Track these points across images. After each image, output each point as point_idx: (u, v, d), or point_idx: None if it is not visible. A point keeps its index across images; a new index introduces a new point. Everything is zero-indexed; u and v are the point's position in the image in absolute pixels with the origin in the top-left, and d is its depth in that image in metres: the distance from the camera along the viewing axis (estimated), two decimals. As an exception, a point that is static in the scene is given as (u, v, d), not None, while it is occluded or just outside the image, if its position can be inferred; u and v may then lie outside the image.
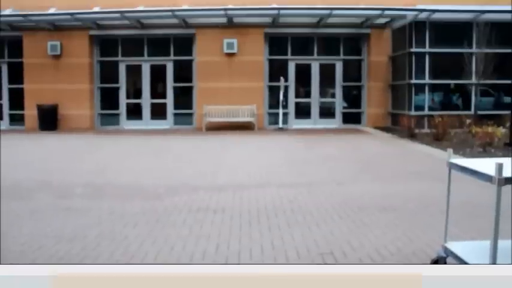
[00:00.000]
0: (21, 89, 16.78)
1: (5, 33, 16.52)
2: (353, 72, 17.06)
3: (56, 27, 16.23)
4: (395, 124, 15.18)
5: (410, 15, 14.43)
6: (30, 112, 16.44)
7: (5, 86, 17.23)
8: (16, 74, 16.93)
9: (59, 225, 4.85)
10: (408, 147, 11.37)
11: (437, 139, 11.75)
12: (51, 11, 15.37)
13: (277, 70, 16.47)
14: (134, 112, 17.06)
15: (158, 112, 16.89)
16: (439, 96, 15.35)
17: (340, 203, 5.69)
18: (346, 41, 16.83)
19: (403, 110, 14.97)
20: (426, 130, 13.49)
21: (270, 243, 4.23)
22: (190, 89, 16.73)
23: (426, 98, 14.79)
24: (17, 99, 16.99)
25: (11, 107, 17.26)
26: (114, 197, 6.09)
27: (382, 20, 15.70)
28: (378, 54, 16.18)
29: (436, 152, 10.04)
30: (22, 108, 16.82)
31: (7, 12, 15.46)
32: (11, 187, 6.79)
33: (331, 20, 15.37)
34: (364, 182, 7.04)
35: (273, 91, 16.48)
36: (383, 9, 14.35)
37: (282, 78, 15.87)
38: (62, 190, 6.57)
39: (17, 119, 17.17)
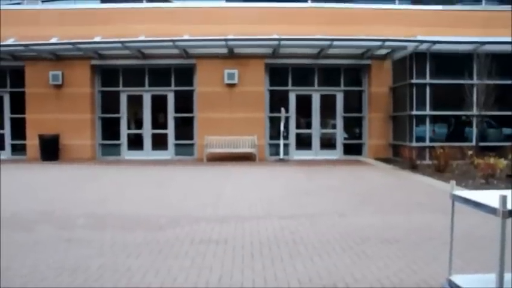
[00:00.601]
0: (23, 119, 16.87)
1: (7, 62, 16.70)
2: (354, 103, 17.19)
3: (57, 57, 16.44)
4: (397, 155, 15.21)
5: (411, 46, 14.62)
6: (32, 142, 16.48)
7: (7, 116, 17.33)
8: (18, 103, 17.05)
9: (61, 256, 4.82)
10: (410, 178, 11.37)
11: (439, 170, 11.75)
12: (53, 40, 15.59)
13: (277, 101, 16.60)
14: (135, 142, 17.11)
15: (159, 142, 16.93)
16: (440, 128, 15.42)
17: (342, 234, 5.67)
18: (347, 72, 17.03)
19: (404, 141, 15.02)
20: (428, 161, 13.50)
21: (273, 275, 4.21)
22: (191, 119, 16.82)
23: (427, 129, 14.85)
24: (18, 129, 17.06)
25: (13, 137, 17.32)
26: (116, 228, 6.06)
27: (383, 51, 15.91)
28: (378, 85, 16.34)
29: (438, 184, 10.04)
30: (24, 138, 16.87)
31: (9, 42, 15.69)
32: (12, 218, 6.78)
33: (331, 51, 15.59)
34: (366, 214, 7.02)
35: (274, 122, 16.58)
36: (383, 40, 14.55)
37: (282, 109, 15.98)
38: (63, 221, 6.54)
39: (18, 149, 17.20)
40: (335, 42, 14.72)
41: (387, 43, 14.74)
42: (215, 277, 4.16)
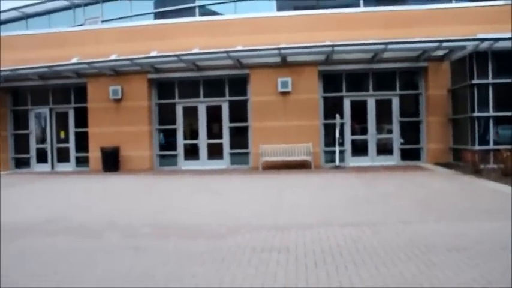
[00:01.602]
0: (86, 133, 17.65)
1: (71, 80, 17.66)
2: (410, 107, 16.71)
3: (116, 72, 17.10)
4: (458, 160, 14.60)
5: (471, 45, 13.98)
6: (94, 154, 17.21)
7: (72, 130, 18.21)
8: (81, 118, 17.89)
9: (129, 263, 4.96)
10: (474, 183, 10.87)
11: (506, 175, 11.14)
12: (112, 57, 16.24)
13: (332, 107, 16.41)
14: (191, 152, 17.45)
15: (215, 152, 17.17)
16: (504, 129, 14.65)
17: (407, 242, 5.49)
18: (402, 76, 16.59)
19: (465, 144, 14.41)
20: (492, 165, 12.85)
21: (338, 284, 4.13)
22: (245, 128, 16.95)
23: (491, 131, 14.16)
24: (82, 142, 17.88)
25: (77, 150, 18.15)
26: (178, 237, 6.17)
27: (440, 52, 15.36)
28: (436, 88, 15.80)
29: (506, 189, 9.54)
30: (87, 150, 17.64)
31: (73, 61, 16.51)
32: (80, 227, 7.06)
33: (386, 55, 15.25)
34: (430, 221, 6.77)
35: (329, 129, 16.40)
36: (441, 41, 14.03)
37: (337, 116, 15.78)
38: (128, 230, 6.74)
39: (81, 161, 18.01)
40: (390, 46, 14.38)
41: (445, 44, 14.21)
42: (279, 285, 4.14)
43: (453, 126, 15.78)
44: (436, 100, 15.84)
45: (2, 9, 21.92)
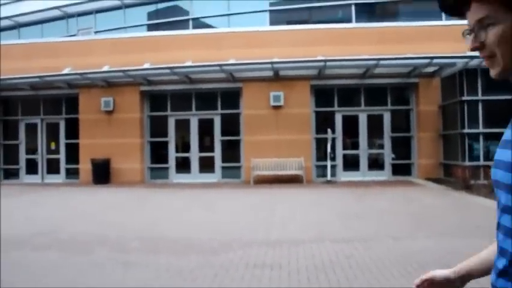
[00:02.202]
0: (77, 144, 17.53)
1: (63, 91, 17.57)
2: (401, 122, 16.84)
3: (109, 84, 17.06)
4: (448, 175, 14.70)
5: (461, 62, 14.18)
6: (85, 166, 17.07)
7: (62, 141, 18.07)
8: (72, 129, 17.77)
9: (120, 279, 4.91)
10: (465, 199, 10.95)
11: (496, 190, 11.20)
12: (105, 68, 16.21)
13: (324, 122, 16.48)
14: (183, 165, 17.38)
15: (206, 165, 17.12)
16: (495, 146, 14.78)
17: (399, 259, 5.50)
18: (394, 91, 16.74)
19: (456, 160, 14.52)
20: (483, 181, 12.94)
21: (331, 302, 4.12)
22: (237, 142, 16.95)
23: (481, 147, 14.29)
24: (72, 153, 17.74)
25: (67, 161, 18.00)
26: (169, 252, 6.13)
27: (431, 69, 15.55)
28: (427, 104, 15.95)
29: (496, 205, 9.59)
30: (77, 162, 17.50)
31: (65, 71, 16.45)
32: (70, 240, 6.98)
33: (378, 70, 15.40)
34: (421, 237, 6.79)
35: (321, 143, 16.45)
36: (431, 58, 14.22)
37: (329, 130, 15.85)
38: (118, 244, 6.67)
39: (72, 173, 17.85)
40: (381, 62, 14.54)
41: (435, 60, 14.41)
42: (273, 303, 4.11)
43: (444, 142, 15.91)
44: (427, 116, 15.99)
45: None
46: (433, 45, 15.12)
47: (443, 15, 16.95)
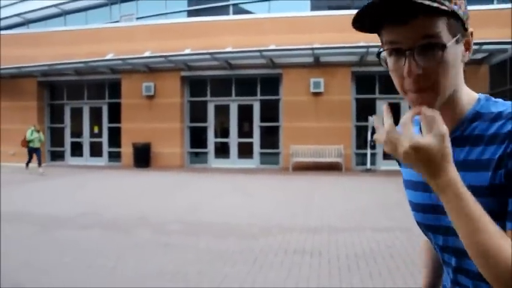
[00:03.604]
0: (119, 128, 17.92)
1: (106, 76, 17.96)
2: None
3: (150, 69, 17.29)
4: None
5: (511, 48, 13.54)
6: (126, 150, 17.45)
7: (105, 125, 18.52)
8: (115, 113, 18.18)
9: (160, 260, 4.98)
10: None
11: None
12: (146, 54, 16.42)
13: (365, 109, 16.15)
14: (222, 151, 17.50)
15: (245, 151, 17.16)
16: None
17: (444, 250, 5.32)
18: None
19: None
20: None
21: (373, 291, 4.03)
22: (276, 128, 16.88)
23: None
24: (115, 137, 18.16)
25: (110, 145, 18.45)
26: (209, 235, 6.16)
27: (479, 56, 14.94)
28: (475, 92, 15.34)
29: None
30: (119, 145, 17.91)
31: (108, 57, 16.77)
32: (112, 221, 7.15)
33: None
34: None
35: (361, 131, 16.16)
36: (480, 44, 13.63)
37: (370, 118, 15.53)
38: (159, 226, 6.77)
39: (114, 156, 18.29)
40: (426, 48, 14.04)
41: (484, 47, 13.81)
42: (313, 289, 4.07)
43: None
44: (474, 104, 15.39)
45: (42, 6, 22.45)
46: (482, 31, 14.46)
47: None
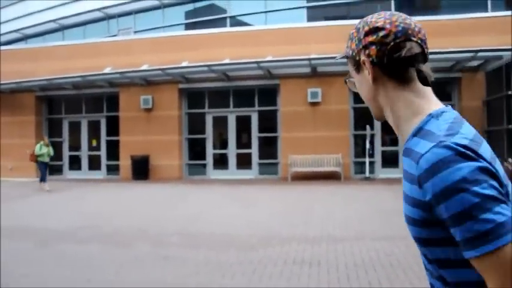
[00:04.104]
0: (117, 141, 17.95)
1: (103, 89, 18.03)
2: (443, 118, 16.32)
3: (148, 82, 17.36)
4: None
5: (507, 55, 13.61)
6: (125, 162, 17.45)
7: (103, 138, 18.55)
8: (113, 126, 18.21)
9: (160, 274, 4.97)
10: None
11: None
12: (144, 67, 16.50)
13: (362, 118, 16.19)
14: (220, 162, 17.51)
15: (243, 162, 17.17)
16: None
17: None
18: (435, 87, 15.88)
19: (501, 157, 13.99)
20: (530, 179, 12.39)
21: (372, 300, 4.03)
22: (275, 138, 16.92)
23: (528, 144, 13.72)
24: (113, 150, 18.17)
25: (108, 158, 18.45)
26: (208, 247, 6.16)
27: (475, 63, 15.02)
28: (470, 99, 15.42)
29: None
30: (117, 158, 17.92)
31: (106, 70, 16.85)
32: (112, 234, 7.14)
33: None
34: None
35: (359, 140, 16.20)
36: (476, 51, 13.72)
37: (367, 127, 15.58)
38: (158, 239, 6.77)
39: (112, 169, 18.29)
40: (422, 56, 14.12)
41: (480, 54, 13.89)
42: (312, 300, 4.06)
43: (488, 139, 15.35)
44: (470, 111, 15.41)
45: (40, 21, 22.59)
46: (477, 39, 14.59)
47: (489, 6, 16.39)
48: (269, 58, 15.35)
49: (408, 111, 1.10)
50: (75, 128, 18.99)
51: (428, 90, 1.14)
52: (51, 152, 14.77)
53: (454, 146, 0.92)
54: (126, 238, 6.83)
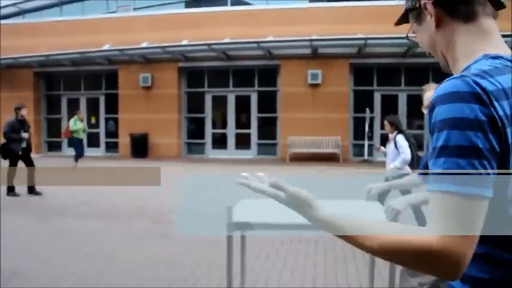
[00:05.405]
0: (116, 119, 17.91)
1: (103, 67, 17.90)
2: (443, 102, 16.29)
3: (147, 60, 17.24)
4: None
5: (507, 41, 13.50)
6: (124, 140, 17.45)
7: (102, 116, 18.49)
8: (112, 104, 18.14)
9: (157, 250, 5.01)
10: None
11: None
12: (144, 45, 16.37)
13: (362, 101, 16.16)
14: (219, 141, 17.52)
15: (242, 142, 17.19)
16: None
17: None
18: (436, 71, 16.17)
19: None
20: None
21: (367, 278, 4.06)
22: (274, 119, 16.90)
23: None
24: (112, 127, 18.13)
25: (107, 135, 18.43)
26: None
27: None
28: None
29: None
30: (116, 136, 17.90)
31: (105, 47, 16.72)
32: (110, 211, 7.17)
33: (420, 49, 14.85)
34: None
35: (358, 122, 16.18)
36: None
37: (367, 109, 15.56)
38: (156, 216, 6.80)
39: (111, 147, 18.28)
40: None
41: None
42: (309, 278, 4.10)
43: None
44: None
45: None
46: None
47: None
48: (270, 38, 15.23)
49: (465, 51, 1.04)
50: (73, 105, 18.88)
51: (494, 29, 1.06)
52: (86, 128, 13.88)
53: (473, 85, 0.89)
54: (124, 215, 6.86)
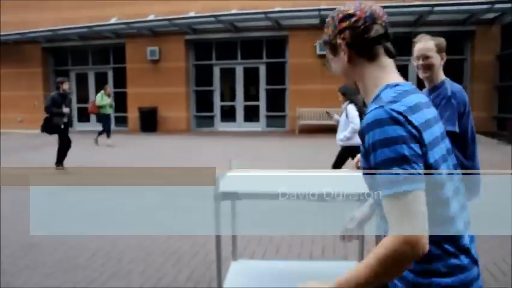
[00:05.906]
0: (125, 93, 17.91)
1: (110, 41, 17.80)
2: (454, 73, 16.03)
3: (154, 33, 17.11)
4: (503, 129, 14.06)
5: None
6: (133, 114, 17.49)
7: (111, 90, 18.38)
8: (120, 78, 18.12)
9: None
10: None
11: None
12: (150, 17, 16.22)
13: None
14: (228, 114, 17.51)
15: (251, 114, 17.17)
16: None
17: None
18: (448, 40, 15.69)
19: (512, 113, 13.80)
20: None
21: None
22: (282, 91, 16.80)
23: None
24: (120, 102, 18.13)
25: (116, 110, 18.35)
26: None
27: (490, 15, 14.59)
28: (483, 53, 15.09)
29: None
30: (125, 110, 17.93)
31: (112, 21, 16.59)
32: (125, 186, 7.26)
33: (431, 17, 14.63)
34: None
35: (367, 93, 16.00)
36: (492, 3, 13.28)
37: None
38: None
39: (120, 121, 18.33)
40: (436, 8, 13.75)
41: (497, 5, 13.45)
42: (318, 249, 4.14)
43: (499, 94, 15.14)
44: (483, 66, 15.18)
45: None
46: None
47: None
48: (278, 9, 15.00)
49: (372, 83, 1.31)
50: (82, 80, 18.91)
51: (391, 65, 1.34)
52: (113, 103, 13.49)
53: (390, 111, 1.17)
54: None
